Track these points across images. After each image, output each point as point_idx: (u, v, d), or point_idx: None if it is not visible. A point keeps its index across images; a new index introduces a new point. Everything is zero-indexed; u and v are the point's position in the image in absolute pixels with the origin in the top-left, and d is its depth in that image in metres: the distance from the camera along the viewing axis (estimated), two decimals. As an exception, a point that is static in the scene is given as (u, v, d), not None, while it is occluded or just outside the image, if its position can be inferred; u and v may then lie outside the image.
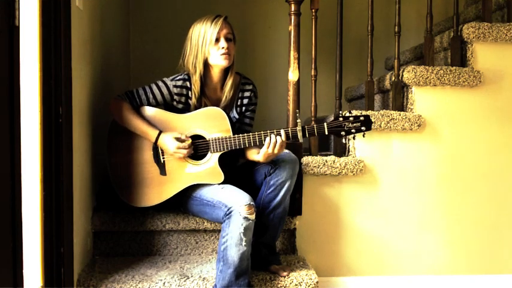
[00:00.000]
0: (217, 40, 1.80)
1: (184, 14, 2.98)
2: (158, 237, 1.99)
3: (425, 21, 2.25)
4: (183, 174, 1.83)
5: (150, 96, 1.85)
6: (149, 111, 1.86)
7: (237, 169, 1.98)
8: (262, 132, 1.76)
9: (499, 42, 2.15)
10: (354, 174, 2.07)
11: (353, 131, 1.76)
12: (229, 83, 1.88)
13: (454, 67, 2.13)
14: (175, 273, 1.77)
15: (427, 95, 2.13)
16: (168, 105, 1.88)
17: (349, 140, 2.15)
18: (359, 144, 2.10)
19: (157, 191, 1.85)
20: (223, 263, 1.66)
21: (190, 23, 1.87)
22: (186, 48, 1.86)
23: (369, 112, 2.05)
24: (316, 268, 2.01)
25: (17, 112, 1.41)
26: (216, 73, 1.88)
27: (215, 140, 1.80)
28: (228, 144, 1.79)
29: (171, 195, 1.84)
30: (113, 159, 1.88)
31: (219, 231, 1.82)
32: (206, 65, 1.85)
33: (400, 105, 2.19)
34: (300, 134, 1.75)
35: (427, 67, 2.12)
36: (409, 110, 2.15)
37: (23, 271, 1.44)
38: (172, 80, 1.86)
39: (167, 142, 1.78)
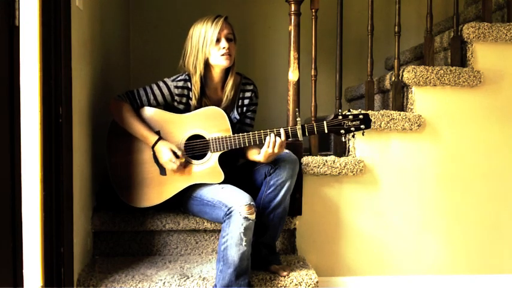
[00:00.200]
0: (218, 40, 1.80)
1: (184, 14, 2.98)
2: (158, 237, 1.99)
3: (425, 21, 2.25)
4: (183, 174, 1.83)
5: (151, 97, 1.85)
6: (149, 111, 1.86)
7: (237, 169, 1.98)
8: (262, 131, 1.76)
9: (499, 42, 2.15)
10: (354, 174, 2.07)
11: (352, 129, 1.76)
12: (230, 83, 1.88)
13: (454, 67, 2.13)
14: (175, 273, 1.77)
15: (427, 95, 2.13)
16: (168, 105, 1.88)
17: (349, 139, 2.15)
18: (359, 144, 2.10)
19: (157, 191, 1.85)
20: (223, 262, 1.66)
21: (190, 23, 1.87)
22: (187, 48, 1.86)
23: (369, 112, 2.05)
24: (316, 268, 2.01)
25: (17, 112, 1.41)
26: (216, 73, 1.88)
27: (215, 139, 1.80)
28: (228, 143, 1.79)
29: (171, 195, 1.84)
30: (113, 159, 1.88)
31: (219, 231, 1.82)
32: (207, 65, 1.85)
33: (400, 105, 2.19)
34: (299, 133, 1.75)
35: (427, 67, 2.12)
36: (409, 110, 2.15)
37: (23, 271, 1.44)
38: (173, 80, 1.86)
39: (162, 151, 1.79)
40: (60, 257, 1.53)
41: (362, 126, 1.76)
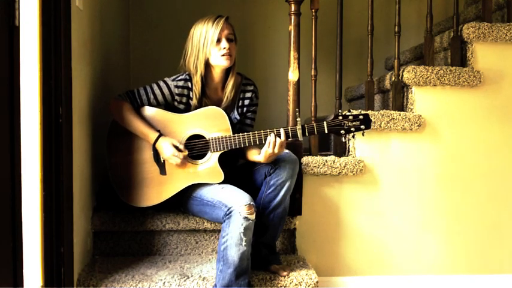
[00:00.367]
0: (218, 40, 1.80)
1: (184, 14, 2.98)
2: (158, 237, 1.99)
3: (425, 21, 2.25)
4: (183, 173, 1.83)
5: (151, 96, 1.85)
6: (149, 111, 1.86)
7: (237, 169, 1.98)
8: (262, 131, 1.76)
9: (499, 42, 2.15)
10: (354, 174, 2.07)
11: (352, 129, 1.76)
12: (230, 83, 1.88)
13: (454, 67, 2.13)
14: (175, 273, 1.77)
15: (427, 95, 2.13)
16: (169, 105, 1.88)
17: (349, 139, 2.15)
18: (359, 144, 2.10)
19: (157, 190, 1.85)
20: (223, 262, 1.66)
21: (190, 23, 1.87)
22: (187, 48, 1.86)
23: (369, 112, 2.05)
24: (316, 268, 2.01)
25: (17, 112, 1.41)
26: (217, 73, 1.88)
27: (215, 139, 1.80)
28: (228, 143, 1.79)
29: (171, 195, 1.84)
30: (113, 159, 1.88)
31: (219, 231, 1.82)
32: (207, 65, 1.85)
33: (400, 105, 2.19)
34: (299, 133, 1.75)
35: (427, 67, 2.12)
36: (409, 110, 2.15)
37: (23, 271, 1.44)
38: (173, 80, 1.86)
39: (164, 147, 1.78)
40: (60, 257, 1.53)
41: (362, 127, 1.76)
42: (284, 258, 1.98)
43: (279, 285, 1.79)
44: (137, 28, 3.02)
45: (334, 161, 2.05)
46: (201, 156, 1.83)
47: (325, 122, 1.76)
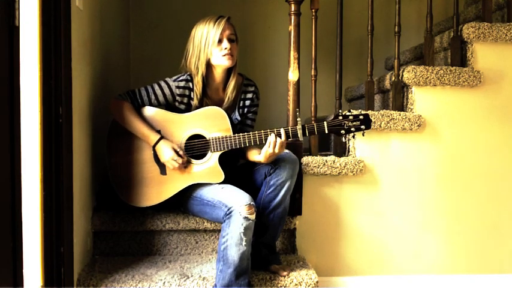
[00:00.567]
0: (220, 41, 1.79)
1: (184, 14, 2.98)
2: (158, 237, 1.99)
3: (425, 21, 2.25)
4: (183, 173, 1.83)
5: (152, 96, 1.85)
6: (149, 111, 1.86)
7: (237, 169, 1.98)
8: (262, 131, 1.76)
9: (499, 42, 2.15)
10: (354, 174, 2.07)
11: (353, 129, 1.76)
12: (232, 83, 1.88)
13: (454, 67, 2.13)
14: (175, 273, 1.77)
15: (427, 95, 2.13)
16: (169, 105, 1.88)
17: (349, 139, 2.15)
18: (359, 144, 2.10)
19: (157, 190, 1.85)
20: (223, 262, 1.66)
21: (190, 23, 1.87)
22: (189, 49, 1.85)
23: (369, 112, 2.05)
24: (316, 268, 2.01)
25: (17, 112, 1.41)
26: (218, 74, 1.88)
27: (215, 139, 1.80)
28: (228, 143, 1.79)
29: (171, 195, 1.84)
30: (113, 159, 1.88)
31: (219, 231, 1.82)
32: (209, 65, 1.85)
33: (400, 105, 2.19)
34: (300, 133, 1.75)
35: (427, 67, 2.12)
36: (409, 110, 2.15)
37: (23, 271, 1.44)
38: (174, 80, 1.86)
39: (164, 150, 1.78)
40: (60, 256, 1.53)
41: (362, 127, 1.76)
42: (284, 258, 1.98)
43: (279, 285, 1.79)
44: (137, 28, 3.02)
45: (334, 161, 2.05)
46: (201, 156, 1.83)
47: (325, 122, 1.76)
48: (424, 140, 2.12)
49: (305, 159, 2.04)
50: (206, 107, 1.85)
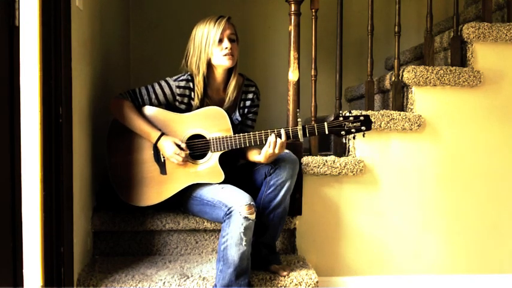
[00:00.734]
0: (220, 40, 1.79)
1: (184, 14, 2.98)
2: (158, 237, 1.99)
3: (425, 21, 2.25)
4: (183, 173, 1.83)
5: (153, 96, 1.85)
6: (150, 110, 1.86)
7: (237, 169, 1.98)
8: (262, 131, 1.76)
9: (499, 42, 2.15)
10: (354, 174, 2.07)
11: (353, 130, 1.76)
12: (232, 83, 1.88)
13: (454, 67, 2.13)
14: (175, 273, 1.77)
15: (427, 95, 2.13)
16: (170, 105, 1.88)
17: (349, 140, 2.15)
18: (359, 144, 2.10)
19: (157, 190, 1.85)
20: (223, 262, 1.66)
21: (190, 23, 1.87)
22: (189, 49, 1.85)
23: (369, 112, 2.05)
24: (316, 268, 2.01)
25: (17, 112, 1.41)
26: (219, 74, 1.87)
27: (215, 139, 1.80)
28: (228, 143, 1.79)
29: (171, 195, 1.84)
30: (113, 159, 1.88)
31: (219, 230, 1.82)
32: (209, 65, 1.85)
33: (400, 105, 2.19)
34: (300, 133, 1.75)
35: (427, 67, 2.12)
36: (409, 110, 2.15)
37: (23, 271, 1.44)
38: (175, 80, 1.86)
39: (166, 145, 1.78)
40: (60, 256, 1.53)
41: (363, 128, 1.76)
42: (284, 258, 1.98)
43: (279, 285, 1.79)
44: (137, 28, 3.02)
45: (334, 161, 2.05)
46: (202, 156, 1.83)
47: (325, 123, 1.76)
48: (424, 140, 2.12)
49: (305, 159, 2.04)
50: (206, 107, 1.85)
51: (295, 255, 2.05)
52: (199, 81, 1.84)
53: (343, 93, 2.58)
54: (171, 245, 2.00)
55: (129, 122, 1.82)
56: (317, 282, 1.81)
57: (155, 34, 3.03)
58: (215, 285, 1.69)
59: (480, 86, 2.14)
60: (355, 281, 2.11)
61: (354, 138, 2.09)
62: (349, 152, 2.16)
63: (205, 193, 1.81)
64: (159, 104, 1.87)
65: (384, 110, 2.10)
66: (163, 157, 1.83)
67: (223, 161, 1.81)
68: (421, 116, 2.10)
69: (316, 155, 2.11)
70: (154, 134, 1.80)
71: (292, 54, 2.05)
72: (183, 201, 1.90)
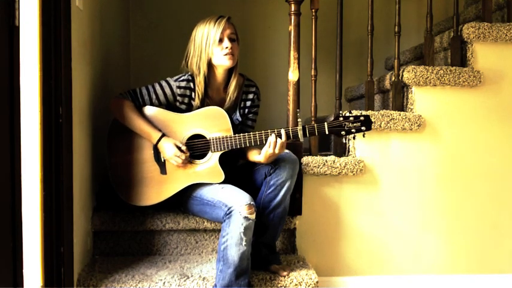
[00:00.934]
0: (220, 40, 1.79)
1: (184, 14, 2.98)
2: (158, 237, 1.99)
3: (425, 21, 2.25)
4: (183, 173, 1.83)
5: (153, 96, 1.85)
6: (150, 110, 1.86)
7: (237, 169, 1.98)
8: (262, 131, 1.76)
9: (499, 42, 2.15)
10: (354, 174, 2.07)
11: (353, 130, 1.76)
12: (233, 84, 1.88)
13: (454, 67, 2.13)
14: (175, 273, 1.77)
15: (427, 95, 2.13)
16: (170, 105, 1.88)
17: (349, 140, 2.15)
18: (359, 144, 2.10)
19: (157, 190, 1.85)
20: (223, 262, 1.66)
21: (190, 23, 1.87)
22: (190, 49, 1.85)
23: (369, 112, 2.05)
24: (316, 268, 2.01)
25: (17, 112, 1.41)
26: (219, 74, 1.87)
27: (215, 139, 1.80)
28: (229, 143, 1.79)
29: (171, 195, 1.84)
30: (113, 159, 1.88)
31: (219, 230, 1.82)
32: (210, 65, 1.85)
33: (400, 105, 2.19)
34: (300, 134, 1.75)
35: (427, 67, 2.12)
36: (409, 110, 2.15)
37: (23, 271, 1.44)
38: (175, 80, 1.86)
39: (166, 147, 1.78)
40: (60, 257, 1.53)
41: (363, 128, 1.76)
42: (284, 258, 1.98)
43: (279, 285, 1.79)
44: (137, 28, 3.02)
45: (334, 161, 2.05)
46: (202, 156, 1.83)
47: (325, 123, 1.76)
48: (424, 140, 2.12)
49: (305, 159, 2.04)
50: (207, 107, 1.85)
51: (295, 255, 2.05)
52: (200, 81, 1.84)
53: (343, 93, 2.58)
54: (171, 245, 2.00)
55: (129, 122, 1.82)
56: (317, 282, 1.81)
57: (155, 34, 3.03)
58: (215, 285, 1.69)
59: (480, 86, 2.14)
60: (355, 281, 2.11)
61: (354, 138, 2.08)
62: (349, 152, 2.16)
63: (205, 193, 1.81)
64: (160, 104, 1.87)
65: (384, 110, 2.10)
66: (164, 157, 1.83)
67: (223, 161, 1.81)
68: (421, 116, 2.10)
69: (316, 155, 2.11)
70: (155, 135, 1.80)
71: (292, 54, 2.05)
72: (183, 201, 1.90)
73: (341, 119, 1.76)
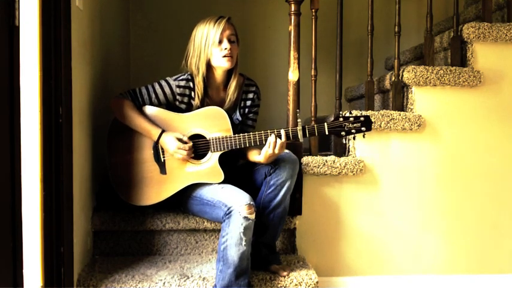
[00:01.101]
0: (220, 42, 1.79)
1: (184, 14, 2.98)
2: (158, 237, 1.99)
3: (425, 21, 2.25)
4: (183, 173, 1.83)
5: (153, 95, 1.85)
6: (150, 110, 1.86)
7: (237, 169, 1.98)
8: (262, 132, 1.76)
9: (499, 42, 2.15)
10: (354, 174, 2.07)
11: (353, 131, 1.76)
12: (233, 84, 1.88)
13: (454, 67, 2.13)
14: (175, 273, 1.77)
15: (427, 95, 2.13)
16: (170, 105, 1.88)
17: (349, 140, 2.15)
18: (359, 144, 2.10)
19: (157, 190, 1.85)
20: (223, 262, 1.66)
21: (190, 23, 1.87)
22: (189, 49, 1.85)
23: (369, 112, 2.06)
24: (316, 268, 2.01)
25: (17, 112, 1.41)
26: (218, 74, 1.87)
27: (215, 139, 1.80)
28: (228, 143, 1.79)
29: (171, 194, 1.84)
30: (113, 159, 1.88)
31: (219, 230, 1.82)
32: (209, 66, 1.85)
33: (400, 105, 2.19)
34: (300, 134, 1.75)
35: (427, 67, 2.12)
36: (409, 110, 2.15)
37: (23, 271, 1.44)
38: (175, 79, 1.86)
39: (168, 142, 1.78)
40: (60, 257, 1.53)
41: (363, 129, 1.76)
42: (284, 258, 1.98)
43: (279, 285, 1.79)
44: (137, 28, 3.02)
45: (334, 161, 2.05)
46: (202, 156, 1.83)
47: (325, 124, 1.76)
48: (424, 140, 2.12)
49: (305, 159, 2.04)
50: (207, 107, 1.85)
51: (295, 255, 2.05)
52: (199, 81, 1.84)
53: (343, 93, 2.58)
54: (171, 245, 2.00)
55: (129, 121, 1.82)
56: (317, 282, 1.81)
57: (155, 34, 3.03)
58: (215, 286, 1.69)
59: (480, 86, 2.14)
60: (355, 281, 2.11)
61: (354, 138, 2.08)
62: (349, 152, 2.16)
63: (205, 193, 1.81)
64: (159, 104, 1.87)
65: (384, 110, 2.10)
66: (163, 157, 1.83)
67: (223, 161, 1.81)
68: (421, 116, 2.10)
69: (316, 155, 2.11)
70: (155, 132, 1.80)
71: (292, 54, 2.05)
72: (182, 201, 1.90)
73: (341, 119, 1.76)
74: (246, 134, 1.77)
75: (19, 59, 1.41)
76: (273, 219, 1.83)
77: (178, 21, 2.97)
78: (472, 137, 2.15)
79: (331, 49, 2.46)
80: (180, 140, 1.78)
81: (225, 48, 1.79)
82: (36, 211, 1.44)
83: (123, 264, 1.87)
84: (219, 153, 1.81)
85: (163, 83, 1.86)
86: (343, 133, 1.76)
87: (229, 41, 1.80)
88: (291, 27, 2.05)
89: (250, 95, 1.95)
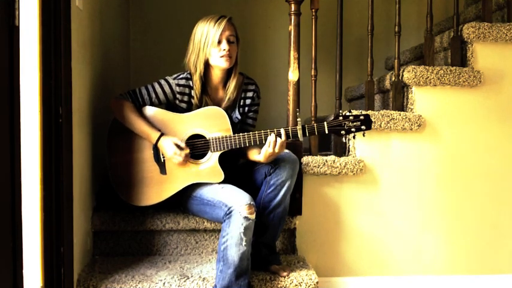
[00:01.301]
0: (219, 42, 1.79)
1: (184, 14, 2.98)
2: (158, 237, 1.99)
3: (425, 21, 2.25)
4: (183, 173, 1.83)
5: (153, 95, 1.85)
6: (150, 111, 1.86)
7: (237, 169, 1.98)
8: (262, 131, 1.76)
9: (499, 42, 2.15)
10: (354, 174, 2.07)
11: (353, 130, 1.76)
12: (232, 84, 1.88)
13: (454, 67, 2.13)
14: (175, 273, 1.77)
15: (427, 95, 2.13)
16: (170, 104, 1.88)
17: (349, 139, 2.15)
18: (359, 144, 2.10)
19: (157, 190, 1.85)
20: (223, 263, 1.66)
21: (190, 23, 1.87)
22: (189, 47, 1.85)
23: (369, 112, 2.05)
24: (316, 268, 2.01)
25: (17, 112, 1.41)
26: (217, 74, 1.87)
27: (215, 139, 1.80)
28: (228, 143, 1.79)
29: (171, 195, 1.84)
30: (113, 159, 1.88)
31: (219, 231, 1.82)
32: (207, 65, 1.85)
33: (400, 105, 2.19)
34: (300, 133, 1.75)
35: (427, 67, 2.12)
36: (409, 110, 2.15)
37: (23, 271, 1.44)
38: (174, 78, 1.86)
39: (166, 146, 1.78)
40: (60, 257, 1.53)
41: (363, 127, 1.76)
42: (284, 258, 1.98)
43: (279, 285, 1.79)
44: (137, 28, 3.02)
45: (334, 161, 2.05)
46: (202, 155, 1.83)
47: (325, 123, 1.76)
48: (424, 140, 2.12)
49: (305, 159, 2.04)
50: (206, 107, 1.85)
51: (295, 256, 2.05)
52: (196, 80, 1.84)
53: (343, 93, 2.58)
54: (171, 245, 2.00)
55: (129, 123, 1.82)
56: (317, 282, 1.81)
57: (155, 34, 3.02)
58: (215, 286, 1.69)
59: (480, 86, 2.14)
60: (355, 282, 2.11)
61: (354, 137, 2.09)
62: (349, 151, 2.16)
63: (205, 193, 1.81)
64: (160, 103, 1.87)
65: (384, 110, 2.10)
66: (163, 157, 1.83)
67: (223, 160, 1.81)
68: (421, 116, 2.10)
69: (316, 155, 2.11)
70: (154, 135, 1.80)
71: (292, 54, 2.05)
72: (183, 201, 1.90)
73: (341, 118, 1.76)
74: (245, 133, 1.77)
75: (19, 59, 1.40)
76: (273, 219, 1.83)
77: (178, 21, 2.97)
78: (472, 137, 2.15)
79: (331, 49, 2.46)
80: (177, 145, 1.78)
81: (224, 49, 1.78)
82: (36, 211, 1.43)
83: (123, 264, 1.87)
84: (219, 153, 1.81)
85: (162, 82, 1.86)
86: (343, 132, 1.76)
87: (229, 41, 1.80)
88: (291, 27, 2.05)
89: (250, 94, 1.95)
